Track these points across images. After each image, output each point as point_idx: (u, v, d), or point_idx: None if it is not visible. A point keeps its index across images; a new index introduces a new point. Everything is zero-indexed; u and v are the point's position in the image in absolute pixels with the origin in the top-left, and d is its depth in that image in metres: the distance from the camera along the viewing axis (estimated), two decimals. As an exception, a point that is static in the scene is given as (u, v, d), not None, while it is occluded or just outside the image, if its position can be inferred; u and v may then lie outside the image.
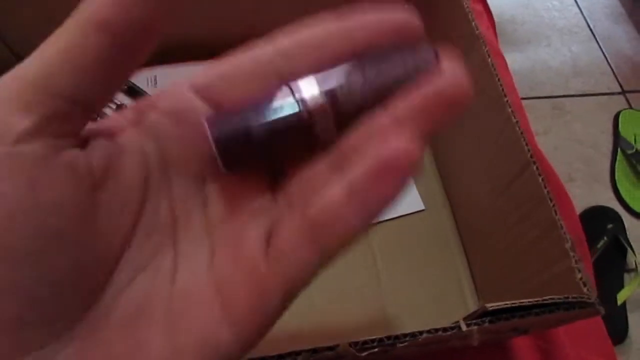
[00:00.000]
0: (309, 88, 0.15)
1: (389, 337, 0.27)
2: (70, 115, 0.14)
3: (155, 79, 0.52)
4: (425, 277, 0.45)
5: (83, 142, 0.15)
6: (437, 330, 0.28)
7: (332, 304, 0.44)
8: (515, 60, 1.32)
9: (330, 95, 0.15)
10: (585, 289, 0.29)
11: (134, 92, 0.51)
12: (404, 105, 0.15)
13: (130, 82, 0.52)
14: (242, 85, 0.16)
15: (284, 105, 0.15)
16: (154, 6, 0.14)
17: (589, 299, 0.29)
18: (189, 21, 0.52)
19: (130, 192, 0.15)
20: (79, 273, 0.14)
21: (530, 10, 1.42)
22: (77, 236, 0.14)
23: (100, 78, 0.14)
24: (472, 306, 0.45)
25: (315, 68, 0.16)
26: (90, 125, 0.15)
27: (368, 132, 0.15)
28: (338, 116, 0.15)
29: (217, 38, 0.54)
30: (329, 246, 0.15)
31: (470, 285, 0.45)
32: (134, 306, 0.15)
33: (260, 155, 0.16)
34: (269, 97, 0.15)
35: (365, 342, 0.26)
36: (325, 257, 0.15)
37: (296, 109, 0.15)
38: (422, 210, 0.49)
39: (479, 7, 0.61)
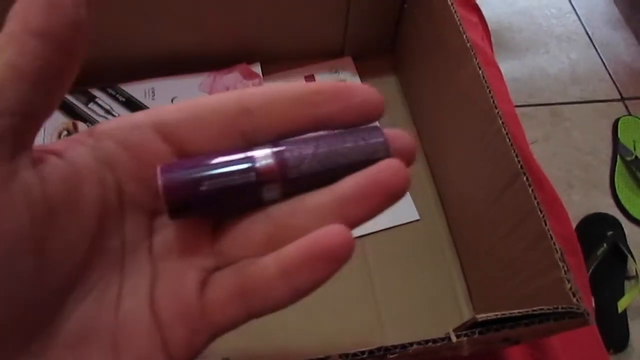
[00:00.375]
0: (262, 152, 0.16)
1: (379, 349, 0.27)
2: (20, 131, 0.14)
3: (153, 91, 0.53)
4: (420, 287, 0.46)
5: (35, 161, 0.15)
6: (427, 341, 0.28)
7: (325, 314, 0.44)
8: (513, 67, 1.32)
9: (281, 163, 0.16)
10: (574, 299, 0.29)
11: (132, 105, 0.51)
12: (346, 190, 0.16)
13: (128, 93, 0.53)
14: (204, 134, 0.16)
15: (236, 166, 0.16)
16: (85, 6, 0.14)
17: (578, 309, 0.29)
18: (186, 34, 0.52)
19: (86, 219, 0.15)
20: (33, 298, 0.14)
21: (528, 18, 1.43)
22: (32, 262, 0.14)
23: (46, 88, 0.14)
24: (467, 316, 0.45)
25: (275, 131, 0.16)
26: (46, 146, 0.15)
27: (309, 209, 0.16)
28: (285, 183, 0.16)
29: (213, 51, 0.55)
30: (257, 310, 0.16)
31: (465, 295, 0.46)
32: (80, 329, 0.15)
33: (206, 209, 0.16)
34: (224, 154, 0.16)
35: (355, 354, 0.27)
36: (252, 316, 0.16)
37: (247, 172, 0.16)
38: (417, 220, 0.49)
39: (474, 17, 0.62)
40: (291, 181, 0.16)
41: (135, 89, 0.53)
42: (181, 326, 0.16)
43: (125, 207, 0.17)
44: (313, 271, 0.16)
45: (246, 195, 0.16)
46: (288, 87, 0.17)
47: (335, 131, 0.17)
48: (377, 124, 0.17)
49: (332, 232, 0.15)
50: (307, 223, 0.16)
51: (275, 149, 0.16)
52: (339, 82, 0.17)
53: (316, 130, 0.17)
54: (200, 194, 0.16)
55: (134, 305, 0.16)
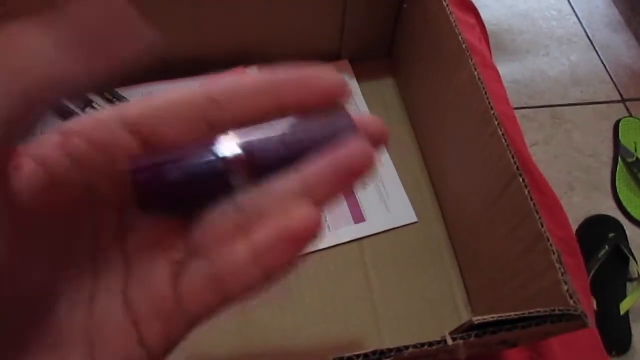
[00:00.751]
0: (229, 141, 0.16)
1: (374, 352, 0.27)
2: None
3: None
4: (418, 289, 0.45)
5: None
6: (422, 344, 0.28)
7: (322, 316, 0.44)
8: (513, 69, 1.32)
9: (247, 151, 0.16)
10: (571, 301, 0.29)
11: (129, 108, 0.51)
12: (313, 171, 0.16)
13: (125, 97, 0.53)
14: (171, 126, 0.16)
15: (204, 155, 0.16)
16: None
17: (575, 311, 0.29)
18: (183, 38, 0.52)
19: (57, 221, 0.15)
20: (5, 306, 0.14)
21: (528, 20, 1.43)
22: (8, 270, 0.14)
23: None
24: (466, 317, 0.44)
25: (241, 119, 0.17)
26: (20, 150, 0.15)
27: (277, 194, 0.16)
28: (252, 170, 0.16)
29: (210, 54, 0.55)
30: (232, 295, 0.16)
31: (463, 298, 0.45)
32: (56, 332, 0.15)
33: (176, 199, 0.17)
34: (192, 145, 0.16)
35: (350, 358, 0.27)
36: (228, 302, 0.16)
37: (214, 160, 0.16)
38: (415, 222, 0.49)
39: (471, 19, 0.62)
40: (258, 167, 0.16)
41: (132, 93, 0.53)
42: (156, 319, 0.16)
43: (95, 205, 0.17)
44: (284, 252, 0.16)
45: (214, 184, 0.16)
46: (254, 76, 0.17)
47: (302, 117, 0.17)
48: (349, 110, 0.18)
49: (300, 213, 0.16)
50: (276, 207, 0.16)
51: (241, 137, 0.16)
52: (305, 69, 0.17)
53: (283, 117, 0.17)
54: (169, 184, 0.16)
55: (108, 304, 0.16)
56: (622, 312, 0.98)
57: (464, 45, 0.39)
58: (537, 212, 0.32)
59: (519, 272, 0.36)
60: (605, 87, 1.31)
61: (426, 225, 0.49)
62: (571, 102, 1.29)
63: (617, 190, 1.15)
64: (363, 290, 0.45)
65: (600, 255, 1.03)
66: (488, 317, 0.28)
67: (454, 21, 0.40)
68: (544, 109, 1.27)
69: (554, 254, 0.31)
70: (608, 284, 1.03)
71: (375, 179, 0.51)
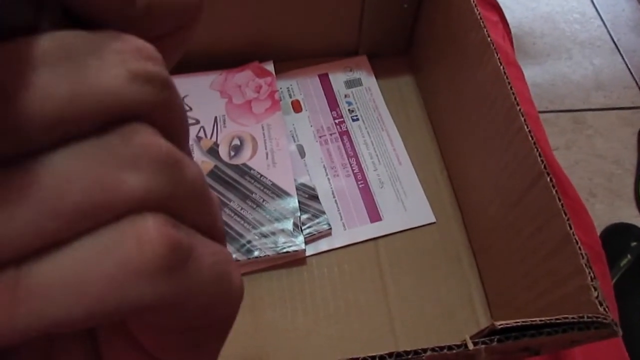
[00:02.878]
0: None
1: (390, 355, 0.26)
2: None
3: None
4: (435, 292, 0.44)
5: None
6: (442, 348, 0.26)
7: (336, 317, 0.42)
8: (535, 73, 1.29)
9: None
10: (601, 309, 0.27)
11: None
12: None
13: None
14: None
15: None
16: None
17: (605, 319, 0.27)
18: (198, 32, 0.51)
19: None
20: None
21: (550, 23, 1.40)
22: None
23: None
24: (484, 322, 0.43)
25: None
26: None
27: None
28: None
29: (225, 49, 0.54)
30: None
31: (482, 301, 0.44)
32: None
33: None
34: None
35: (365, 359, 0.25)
36: None
37: None
38: (433, 223, 0.47)
39: (495, 17, 0.60)
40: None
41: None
42: None
43: None
44: None
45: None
46: None
47: None
48: None
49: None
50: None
51: None
52: None
53: None
54: None
55: None
56: (644, 324, 0.95)
57: (489, 39, 0.37)
58: (565, 214, 0.30)
59: (542, 275, 0.34)
60: (629, 93, 1.28)
61: (444, 225, 0.47)
62: (594, 107, 1.25)
63: (640, 199, 1.12)
64: (378, 291, 0.44)
65: (622, 265, 1.00)
66: (511, 322, 0.26)
67: (479, 13, 0.39)
68: (565, 113, 1.24)
69: (582, 257, 0.29)
70: (629, 293, 0.99)
71: (393, 178, 0.50)
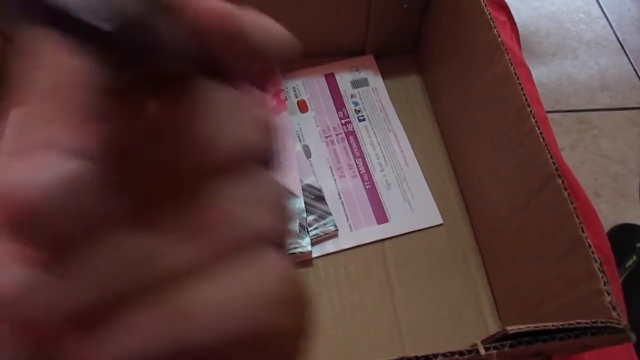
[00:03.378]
0: None
1: (401, 359, 0.25)
2: None
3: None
4: (442, 294, 0.43)
5: None
6: (453, 353, 0.26)
7: (342, 319, 0.42)
8: (540, 73, 1.29)
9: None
10: (614, 314, 0.27)
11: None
12: None
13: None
14: None
15: None
16: None
17: (619, 324, 0.26)
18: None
19: None
20: None
21: (556, 23, 1.39)
22: None
23: None
24: (492, 325, 0.42)
25: None
26: None
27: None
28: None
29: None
30: None
31: (490, 303, 0.43)
32: None
33: None
34: None
35: (374, 364, 0.25)
36: None
37: None
38: (441, 224, 0.47)
39: (503, 17, 0.60)
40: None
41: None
42: None
43: None
44: None
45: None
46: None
47: None
48: None
49: None
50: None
51: None
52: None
53: None
54: None
55: None
56: (649, 325, 0.94)
57: (499, 39, 0.37)
58: (577, 216, 0.30)
59: (552, 279, 0.33)
60: (635, 93, 1.27)
61: (452, 227, 0.47)
62: (599, 107, 1.25)
63: (646, 199, 1.11)
64: (384, 293, 0.43)
65: (627, 265, 1.00)
66: (524, 327, 0.26)
67: (489, 13, 0.38)
68: (570, 113, 1.24)
69: (595, 261, 0.28)
70: (635, 294, 0.99)
71: (400, 179, 0.49)
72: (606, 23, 1.41)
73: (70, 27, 0.08)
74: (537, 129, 0.33)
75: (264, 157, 0.12)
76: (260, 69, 0.13)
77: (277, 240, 0.12)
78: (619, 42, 1.37)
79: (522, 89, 0.35)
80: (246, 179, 0.12)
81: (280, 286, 0.12)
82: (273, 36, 0.13)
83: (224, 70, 0.12)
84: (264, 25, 0.13)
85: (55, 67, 0.10)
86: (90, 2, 0.08)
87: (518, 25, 0.62)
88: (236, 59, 0.12)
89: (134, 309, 0.10)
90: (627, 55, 1.34)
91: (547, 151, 0.32)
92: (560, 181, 0.31)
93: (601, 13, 1.43)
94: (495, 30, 0.38)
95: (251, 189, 0.12)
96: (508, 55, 0.36)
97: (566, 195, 0.30)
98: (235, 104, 0.12)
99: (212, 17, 0.11)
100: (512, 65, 0.36)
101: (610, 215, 1.10)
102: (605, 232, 1.06)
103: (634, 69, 1.32)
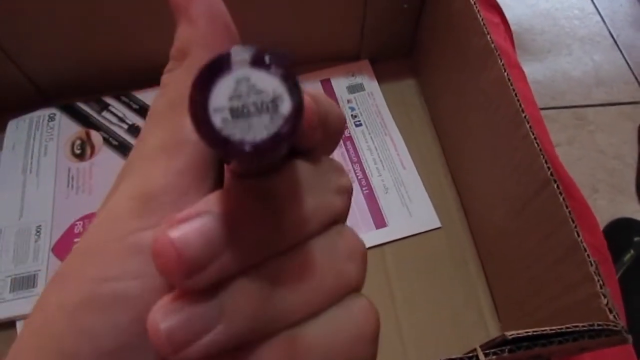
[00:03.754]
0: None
1: (401, 367, 0.26)
2: None
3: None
4: (442, 298, 0.44)
5: None
6: None
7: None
8: (535, 70, 1.29)
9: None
10: (611, 316, 0.27)
11: (146, 112, 0.50)
12: None
13: (142, 101, 0.52)
14: None
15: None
16: None
17: (616, 326, 0.27)
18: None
19: None
20: None
21: (550, 20, 1.40)
22: None
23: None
24: (492, 327, 0.43)
25: None
26: None
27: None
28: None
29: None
30: None
31: (489, 305, 0.44)
32: None
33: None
34: None
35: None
36: None
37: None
38: (439, 227, 0.47)
39: (496, 18, 0.60)
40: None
41: (149, 96, 0.53)
42: None
43: None
44: None
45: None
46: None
47: None
48: None
49: None
50: None
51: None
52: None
53: None
54: None
55: None
56: (648, 319, 0.95)
57: (492, 45, 0.37)
58: (573, 221, 0.30)
59: (550, 282, 0.34)
60: (629, 88, 1.28)
61: (450, 230, 0.47)
62: (595, 103, 1.25)
63: (643, 193, 1.12)
64: (385, 298, 0.44)
65: (625, 260, 1.00)
66: (522, 332, 0.26)
67: (482, 19, 0.39)
68: (566, 109, 1.24)
69: (591, 265, 0.29)
70: (633, 289, 0.99)
71: (398, 183, 0.50)
72: (599, 19, 1.41)
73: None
74: (531, 134, 0.33)
75: (345, 216, 0.15)
76: (331, 141, 0.16)
77: (360, 283, 0.15)
78: (613, 37, 1.38)
79: (516, 94, 0.35)
80: (336, 235, 0.14)
81: (376, 325, 0.15)
82: (336, 113, 0.16)
83: (306, 147, 0.15)
84: (330, 105, 0.15)
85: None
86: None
87: (512, 23, 0.63)
88: (318, 139, 0.15)
89: (261, 346, 0.13)
90: (620, 51, 1.35)
91: (541, 156, 0.32)
92: (555, 186, 0.31)
93: (594, 9, 1.43)
94: (489, 35, 0.38)
95: (340, 244, 0.14)
96: (501, 60, 0.37)
97: (561, 199, 0.31)
98: (322, 175, 0.15)
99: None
100: (505, 70, 0.36)
101: (607, 210, 1.10)
102: (603, 227, 1.07)
103: (628, 64, 1.32)
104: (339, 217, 0.15)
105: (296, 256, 0.13)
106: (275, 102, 0.11)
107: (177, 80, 0.14)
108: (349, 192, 0.16)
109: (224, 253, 0.12)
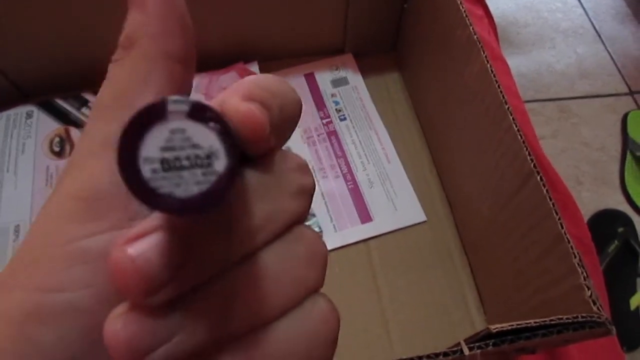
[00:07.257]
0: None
1: (386, 363, 0.26)
2: None
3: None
4: (428, 292, 0.44)
5: None
6: (437, 355, 0.26)
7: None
8: (519, 63, 1.30)
9: None
10: (595, 308, 0.27)
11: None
12: None
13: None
14: None
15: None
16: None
17: (599, 318, 0.27)
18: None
19: None
20: None
21: (533, 13, 1.40)
22: None
23: None
24: (478, 320, 0.43)
25: None
26: None
27: None
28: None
29: (209, 50, 0.53)
30: None
31: (475, 299, 0.44)
32: None
33: None
34: None
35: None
36: None
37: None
38: (424, 221, 0.47)
39: (480, 11, 0.60)
40: None
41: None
42: None
43: None
44: None
45: None
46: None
47: None
48: None
49: None
50: None
51: None
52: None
53: None
54: None
55: None
56: (632, 308, 0.96)
57: (475, 37, 0.37)
58: (556, 213, 0.30)
59: (535, 275, 0.34)
60: (612, 80, 1.29)
61: (435, 224, 0.47)
62: (578, 95, 1.26)
63: (626, 185, 1.13)
64: (371, 293, 0.44)
65: (610, 250, 1.02)
66: (506, 325, 0.26)
67: (465, 11, 0.38)
68: (550, 102, 1.25)
69: (575, 257, 0.29)
70: (618, 279, 1.01)
71: (383, 177, 0.50)
72: (582, 12, 1.42)
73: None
74: (514, 127, 0.33)
75: (304, 218, 0.15)
76: (286, 132, 0.15)
77: (319, 285, 0.15)
78: (595, 30, 1.39)
79: (499, 86, 0.35)
80: (294, 240, 0.14)
81: (335, 326, 0.14)
82: (290, 99, 0.15)
83: (257, 154, 0.14)
84: (284, 95, 0.15)
85: None
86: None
87: (497, 16, 0.63)
88: (261, 144, 0.14)
89: (221, 353, 0.12)
90: (603, 43, 1.36)
91: (525, 149, 0.32)
92: (539, 178, 0.31)
93: (577, 2, 1.44)
94: (471, 27, 0.38)
95: (298, 248, 0.14)
96: (484, 52, 0.36)
97: (545, 192, 0.31)
98: (276, 179, 0.14)
99: (243, 119, 0.13)
100: (488, 62, 0.36)
101: (592, 202, 1.11)
102: (586, 219, 1.08)
103: (611, 56, 1.33)
104: (298, 219, 0.14)
105: (251, 265, 0.13)
106: (210, 158, 0.11)
107: (123, 71, 0.14)
108: (309, 191, 0.15)
109: (182, 268, 0.12)
